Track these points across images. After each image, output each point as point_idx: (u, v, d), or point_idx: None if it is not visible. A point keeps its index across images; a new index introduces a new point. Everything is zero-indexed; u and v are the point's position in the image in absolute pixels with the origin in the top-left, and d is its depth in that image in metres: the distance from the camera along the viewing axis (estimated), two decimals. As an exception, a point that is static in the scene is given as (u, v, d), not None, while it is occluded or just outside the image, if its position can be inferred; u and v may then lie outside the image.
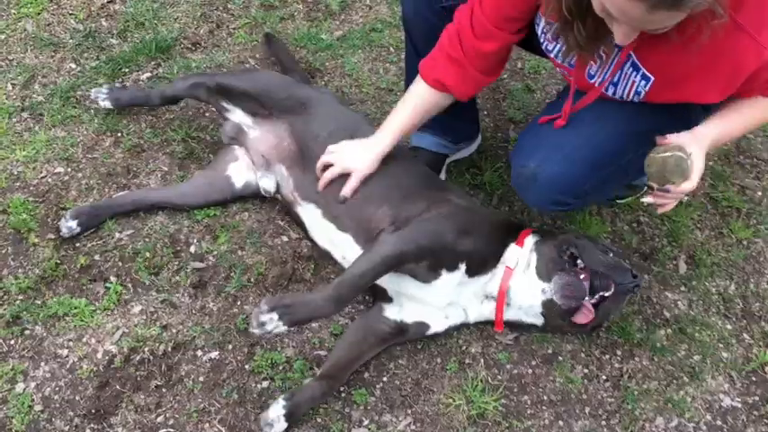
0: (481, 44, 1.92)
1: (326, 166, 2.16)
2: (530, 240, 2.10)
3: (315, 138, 2.25)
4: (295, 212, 2.29)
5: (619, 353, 2.19)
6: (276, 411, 1.92)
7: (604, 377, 2.15)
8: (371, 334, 2.09)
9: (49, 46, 2.86)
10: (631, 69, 1.76)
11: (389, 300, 2.11)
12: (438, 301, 2.07)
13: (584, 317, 1.97)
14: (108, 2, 3.07)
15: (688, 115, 2.00)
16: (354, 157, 2.12)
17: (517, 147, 2.12)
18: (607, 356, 2.19)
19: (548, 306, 2.02)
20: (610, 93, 1.85)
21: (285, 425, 1.92)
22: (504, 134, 2.73)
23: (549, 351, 2.19)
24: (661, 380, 2.15)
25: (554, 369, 2.15)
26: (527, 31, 1.94)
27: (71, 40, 2.89)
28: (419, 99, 2.10)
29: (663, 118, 1.90)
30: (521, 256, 2.06)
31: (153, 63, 2.85)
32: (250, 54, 2.90)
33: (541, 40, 1.91)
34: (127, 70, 2.82)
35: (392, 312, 2.11)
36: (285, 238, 2.38)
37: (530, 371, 2.15)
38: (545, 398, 2.10)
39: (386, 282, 2.05)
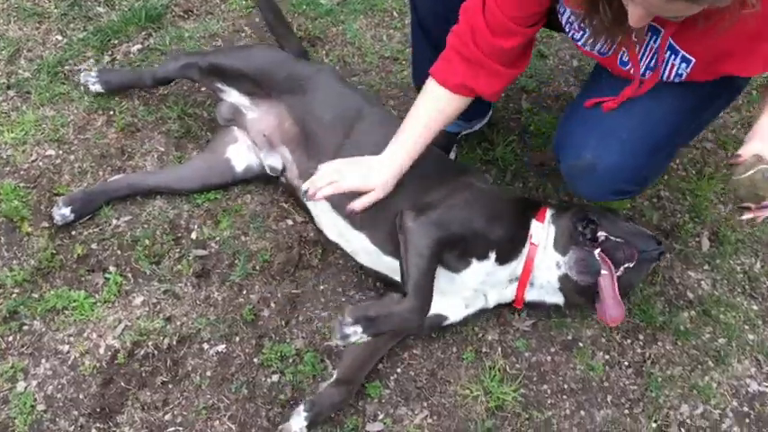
0: (501, 41, 1.76)
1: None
2: (548, 214, 2.02)
3: (318, 122, 2.11)
4: (301, 198, 2.16)
5: (641, 337, 2.12)
6: (298, 423, 1.87)
7: (626, 363, 2.07)
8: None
9: (33, 16, 2.70)
10: (669, 53, 1.64)
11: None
12: (463, 292, 1.98)
13: (615, 311, 1.86)
14: (93, -34, 2.89)
15: (730, 90, 1.91)
16: (370, 179, 1.87)
17: (563, 135, 1.96)
18: (629, 341, 2.11)
19: (564, 281, 1.95)
20: (647, 76, 1.72)
21: None
22: (516, 105, 2.59)
23: (569, 337, 2.11)
24: (685, 365, 2.08)
25: (574, 356, 2.08)
26: (546, 19, 1.80)
27: (56, 10, 2.73)
28: (442, 105, 1.88)
29: (711, 87, 1.78)
30: (542, 231, 1.98)
31: (143, 33, 2.70)
32: (246, 22, 2.74)
33: (567, 30, 1.77)
34: (116, 42, 2.66)
35: None
36: (290, 222, 2.27)
37: (549, 358, 2.07)
38: (565, 386, 2.03)
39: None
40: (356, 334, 1.71)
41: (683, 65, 1.65)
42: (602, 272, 1.86)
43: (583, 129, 1.87)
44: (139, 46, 2.66)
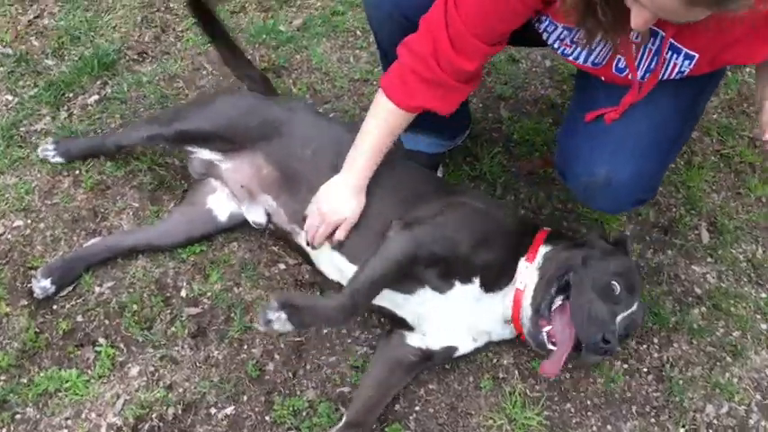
0: (464, 62, 1.69)
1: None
2: (540, 254, 1.90)
3: (299, 159, 2.02)
4: (294, 242, 2.08)
5: (656, 341, 2.08)
6: None
7: (645, 370, 2.04)
8: (397, 365, 1.93)
9: (-22, 78, 2.55)
10: (671, 53, 1.59)
11: (410, 328, 1.95)
12: (459, 317, 1.91)
13: (548, 366, 1.77)
14: (35, 17, 2.74)
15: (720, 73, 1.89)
16: (339, 208, 1.90)
17: (568, 153, 1.90)
18: (644, 346, 2.08)
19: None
20: (645, 80, 1.67)
21: None
22: (495, 114, 2.54)
23: (585, 350, 2.06)
24: (704, 364, 2.05)
25: (592, 370, 2.03)
26: (507, 42, 1.75)
27: (1, 68, 2.58)
28: (391, 120, 1.85)
29: (702, 76, 1.74)
30: (528, 275, 1.88)
31: (98, 83, 2.57)
32: (205, 59, 2.63)
33: (556, 47, 1.71)
34: (71, 95, 2.53)
35: (415, 340, 1.95)
36: (282, 266, 2.18)
37: (567, 375, 2.02)
38: (588, 403, 1.98)
39: (402, 311, 1.90)
40: (280, 320, 1.67)
41: (686, 62, 1.62)
42: (549, 347, 1.79)
43: (590, 144, 1.81)
44: (96, 97, 2.54)
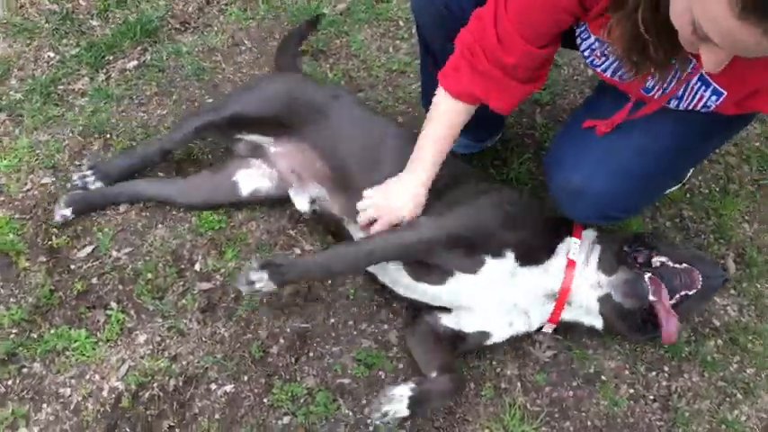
0: (506, 57, 1.66)
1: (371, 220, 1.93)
2: (589, 233, 1.94)
3: (350, 155, 2.02)
4: (344, 228, 2.08)
5: (666, 369, 2.03)
6: (402, 391, 1.78)
7: (652, 397, 1.99)
8: (438, 339, 1.93)
9: (24, 32, 2.59)
10: (700, 84, 1.53)
11: (447, 310, 1.94)
12: (496, 295, 1.88)
13: (671, 333, 1.75)
14: (85, -24, 2.77)
15: (745, 120, 1.82)
16: (397, 210, 1.86)
17: (555, 155, 1.90)
18: (654, 373, 2.03)
19: (605, 303, 1.86)
20: (672, 105, 1.62)
21: (407, 411, 1.78)
22: (530, 119, 2.49)
23: (591, 370, 2.02)
24: (713, 398, 1.99)
25: (597, 390, 1.99)
26: (560, 43, 1.70)
27: (47, 25, 2.62)
28: (449, 112, 1.82)
29: (719, 123, 1.71)
30: (582, 248, 1.90)
31: (139, 48, 2.59)
32: (245, 35, 2.63)
33: (587, 55, 1.67)
34: (111, 58, 2.56)
35: (450, 321, 1.94)
36: (298, 251, 2.17)
37: (570, 393, 1.99)
38: (589, 423, 1.95)
39: (436, 298, 1.91)
40: (262, 280, 1.72)
41: (714, 97, 1.56)
42: (651, 297, 1.75)
43: (576, 151, 1.81)
44: (135, 62, 2.56)
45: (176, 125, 2.30)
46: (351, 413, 1.91)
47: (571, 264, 1.88)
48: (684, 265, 1.81)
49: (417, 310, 2.00)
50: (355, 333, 2.06)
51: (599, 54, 1.64)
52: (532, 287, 1.90)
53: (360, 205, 1.92)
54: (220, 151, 2.30)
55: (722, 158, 2.44)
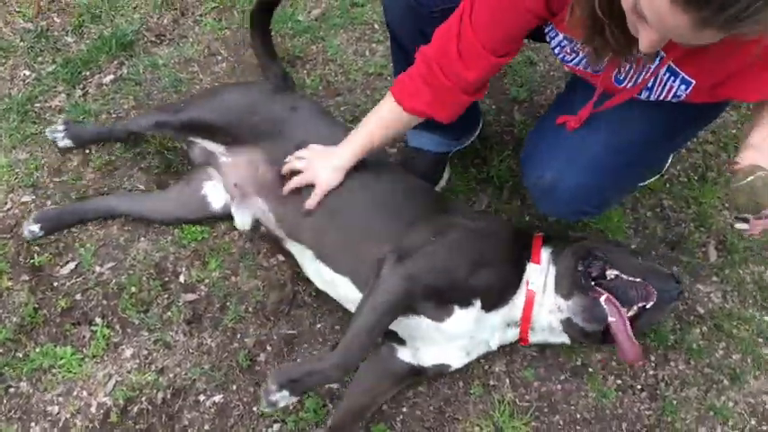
0: (467, 72, 1.68)
1: (293, 172, 1.96)
2: (545, 253, 1.91)
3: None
4: (284, 247, 2.06)
5: (653, 358, 2.04)
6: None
7: (639, 387, 2.00)
8: (385, 377, 1.91)
9: (-1, 51, 2.58)
10: (668, 75, 1.54)
11: (401, 341, 1.92)
12: (456, 341, 1.88)
13: (631, 353, 1.75)
14: (58, -7, 2.76)
15: (717, 109, 1.83)
16: (318, 172, 1.92)
17: (528, 152, 1.91)
18: (640, 363, 2.03)
19: (568, 326, 1.84)
20: (643, 96, 1.63)
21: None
22: (507, 117, 2.50)
23: (578, 363, 2.03)
24: (700, 385, 2.01)
25: (585, 383, 2.00)
26: (517, 51, 1.71)
27: (22, 43, 2.60)
28: (387, 115, 1.86)
29: (690, 114, 1.72)
30: (539, 274, 1.87)
31: (115, 63, 2.58)
32: (220, 44, 2.63)
33: (557, 52, 1.68)
34: (87, 73, 2.55)
35: (406, 355, 1.92)
36: (281, 257, 2.17)
37: (559, 387, 2.00)
38: (578, 416, 1.95)
39: (394, 325, 1.84)
40: (284, 398, 1.68)
41: (683, 86, 1.56)
42: (610, 318, 1.76)
43: (548, 147, 1.82)
44: (112, 76, 2.55)
45: (144, 113, 2.35)
46: (341, 418, 1.91)
47: (530, 293, 1.86)
48: (639, 279, 1.80)
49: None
50: (341, 337, 2.06)
51: (569, 50, 1.65)
52: (496, 324, 1.89)
53: (296, 153, 1.96)
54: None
55: (700, 147, 2.46)
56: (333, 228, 1.91)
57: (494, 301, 1.84)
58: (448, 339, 1.87)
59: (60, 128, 2.31)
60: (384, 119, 1.87)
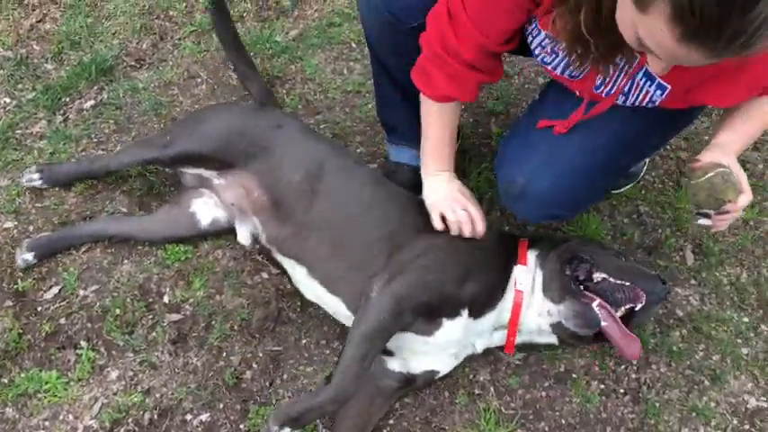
0: (464, 51, 1.69)
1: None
2: (531, 255, 1.94)
3: (288, 185, 2.01)
4: (275, 260, 2.08)
5: (634, 362, 2.06)
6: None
7: (622, 391, 2.02)
8: (377, 394, 1.92)
9: (-22, 80, 2.59)
10: (645, 79, 1.58)
11: (390, 353, 1.93)
12: (443, 349, 1.90)
13: (633, 350, 1.79)
14: (37, 21, 2.79)
15: (689, 115, 1.87)
16: (457, 197, 1.92)
17: (502, 157, 1.94)
18: (623, 367, 2.06)
19: (558, 328, 1.87)
20: (620, 102, 1.67)
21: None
22: (485, 129, 2.54)
23: (562, 369, 2.05)
24: (682, 387, 2.03)
25: (569, 389, 2.02)
26: (516, 43, 1.74)
27: (1, 71, 2.63)
28: (439, 115, 1.88)
29: (663, 119, 1.77)
30: (527, 275, 1.90)
31: (95, 88, 2.60)
32: (200, 67, 2.66)
33: (537, 53, 1.71)
34: (67, 99, 2.57)
35: (396, 365, 1.93)
36: (265, 275, 2.19)
37: (543, 394, 2.02)
38: (563, 422, 1.97)
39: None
40: None
41: (659, 92, 1.60)
42: (603, 323, 1.79)
43: (521, 151, 1.84)
44: (92, 102, 2.57)
45: (125, 148, 2.33)
46: (328, 432, 1.92)
47: (518, 294, 1.89)
48: (627, 283, 1.83)
49: None
50: (328, 352, 2.07)
51: (549, 51, 1.67)
52: (484, 328, 1.92)
53: (438, 223, 1.91)
54: (179, 180, 2.31)
55: (673, 154, 2.50)
56: (327, 249, 1.92)
57: (481, 308, 1.86)
58: (436, 349, 1.89)
59: (35, 176, 2.29)
60: (434, 115, 1.88)
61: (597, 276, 1.85)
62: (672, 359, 2.07)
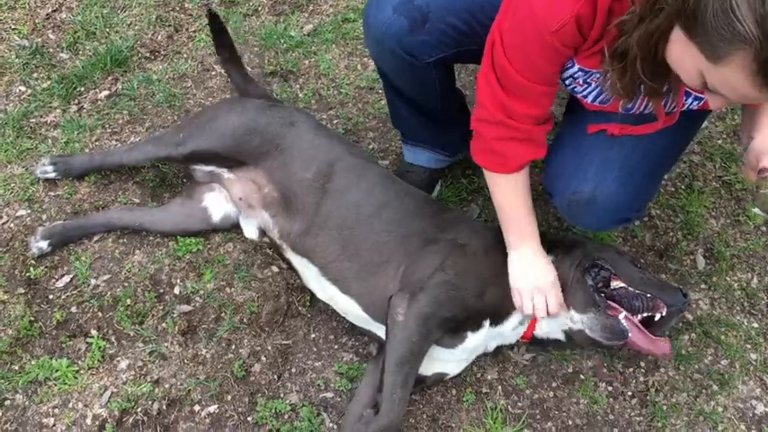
0: (528, 108, 1.65)
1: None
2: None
3: (299, 182, 2.01)
4: (285, 257, 2.09)
5: (642, 365, 2.07)
6: None
7: (630, 393, 2.02)
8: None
9: (-6, 68, 2.61)
10: (685, 97, 1.61)
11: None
12: (460, 357, 1.93)
13: (664, 350, 1.84)
14: (53, 11, 2.80)
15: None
16: (540, 277, 1.85)
17: (555, 170, 1.88)
18: (631, 370, 2.06)
19: (579, 335, 1.90)
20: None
21: None
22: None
23: (570, 370, 2.06)
24: (690, 391, 2.03)
25: (576, 390, 2.02)
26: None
27: (17, 60, 2.64)
28: (506, 184, 1.82)
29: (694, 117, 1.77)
30: None
31: (110, 78, 2.61)
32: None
33: (568, 83, 1.69)
34: (82, 89, 2.58)
35: None
36: (275, 269, 2.20)
37: (551, 394, 2.02)
38: (570, 423, 1.97)
39: None
40: None
41: (695, 102, 1.64)
42: (630, 335, 1.82)
43: (576, 161, 1.80)
44: (107, 92, 2.58)
45: (139, 144, 2.33)
46: (335, 426, 1.93)
47: None
48: (648, 294, 1.85)
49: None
50: (336, 347, 2.08)
51: (581, 82, 1.66)
52: (502, 333, 1.94)
53: (526, 310, 1.87)
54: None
55: (687, 157, 2.50)
56: (342, 251, 1.93)
57: (501, 316, 1.89)
58: (454, 358, 1.92)
59: (49, 168, 2.30)
60: (512, 191, 1.82)
61: (615, 284, 1.86)
62: (680, 363, 2.07)
